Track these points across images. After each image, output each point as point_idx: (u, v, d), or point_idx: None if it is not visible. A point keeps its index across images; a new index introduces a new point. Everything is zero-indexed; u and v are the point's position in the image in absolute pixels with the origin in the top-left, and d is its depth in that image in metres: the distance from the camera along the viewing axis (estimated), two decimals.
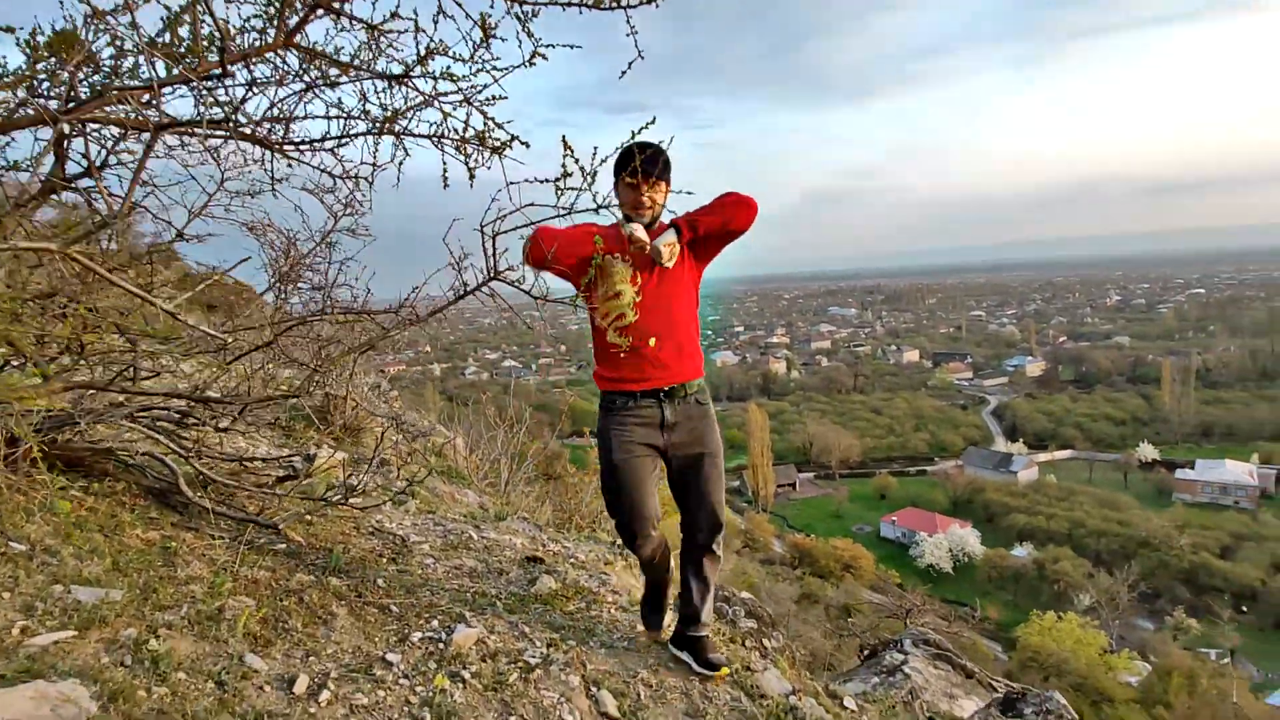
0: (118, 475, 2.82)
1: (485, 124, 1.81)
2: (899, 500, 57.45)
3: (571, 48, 1.71)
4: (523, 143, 1.88)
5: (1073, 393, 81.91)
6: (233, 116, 1.75)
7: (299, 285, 2.81)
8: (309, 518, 3.16)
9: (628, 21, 1.64)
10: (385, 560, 3.04)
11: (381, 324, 2.49)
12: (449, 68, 1.78)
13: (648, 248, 2.26)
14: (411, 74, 1.78)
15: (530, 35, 1.70)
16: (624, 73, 1.71)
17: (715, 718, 2.18)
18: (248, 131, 1.73)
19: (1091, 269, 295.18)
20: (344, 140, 1.90)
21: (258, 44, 1.67)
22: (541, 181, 1.78)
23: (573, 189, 1.81)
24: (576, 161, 1.70)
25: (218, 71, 1.61)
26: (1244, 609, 40.76)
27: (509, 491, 6.61)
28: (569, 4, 1.65)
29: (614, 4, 1.61)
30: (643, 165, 2.28)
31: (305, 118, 1.90)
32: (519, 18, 1.67)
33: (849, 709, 2.48)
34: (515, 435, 8.20)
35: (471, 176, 1.84)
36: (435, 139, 1.83)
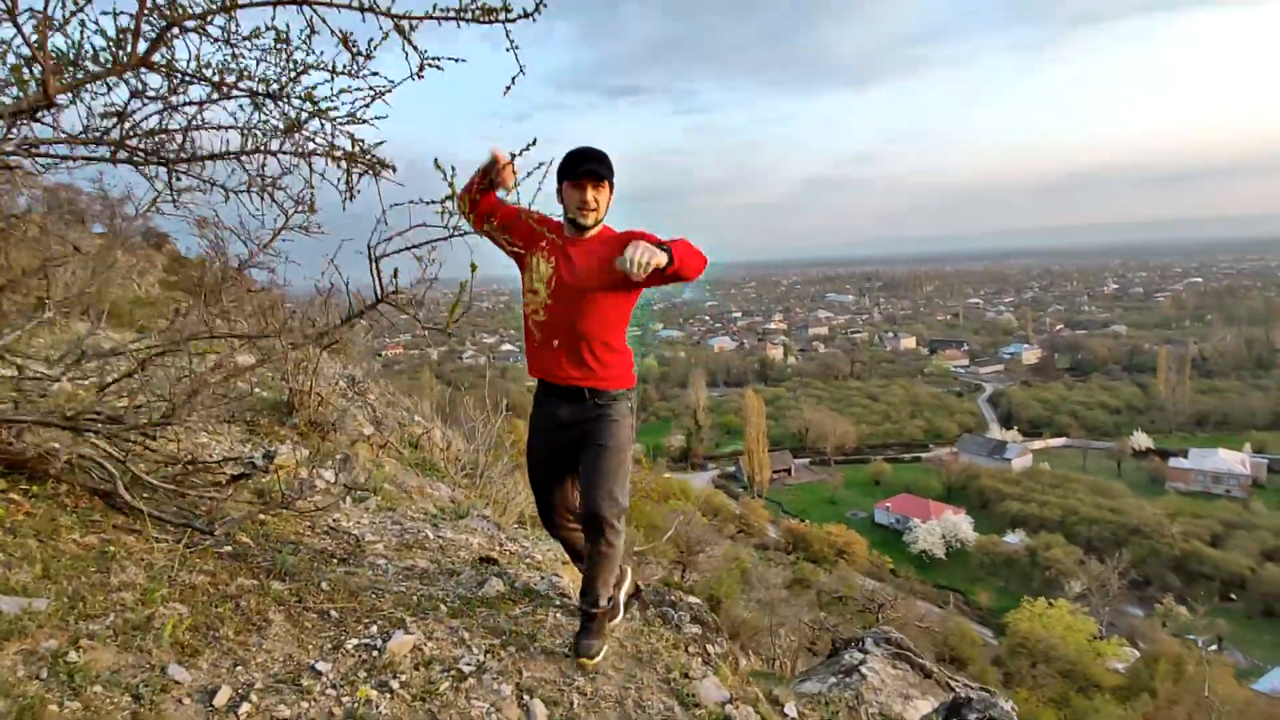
0: (60, 477, 2.80)
1: (354, 145, 1.78)
2: (894, 486, 57.74)
3: (456, 60, 1.68)
4: (390, 166, 1.85)
5: (1068, 380, 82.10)
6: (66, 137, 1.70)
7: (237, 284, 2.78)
8: (261, 517, 3.16)
9: (507, 36, 1.60)
10: (335, 562, 3.03)
11: (261, 348, 2.47)
12: (313, 89, 1.75)
13: (509, 184, 2.32)
14: (274, 94, 1.75)
15: (415, 49, 1.66)
16: (507, 88, 1.67)
17: None
18: (91, 145, 1.69)
19: (1090, 257, 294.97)
20: (239, 156, 1.86)
21: (104, 67, 1.63)
22: (427, 203, 1.75)
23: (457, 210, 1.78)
24: (449, 181, 1.66)
25: (41, 103, 1.58)
26: (1233, 596, 41.15)
27: (484, 484, 6.61)
28: (447, 18, 1.61)
29: (495, 18, 1.57)
30: (591, 167, 2.32)
31: (199, 128, 1.86)
32: (400, 31, 1.63)
33: (789, 716, 2.49)
34: (493, 425, 8.18)
35: (351, 196, 1.82)
36: (304, 156, 1.80)
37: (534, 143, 1.91)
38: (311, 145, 1.80)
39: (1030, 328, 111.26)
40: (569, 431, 2.52)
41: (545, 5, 1.59)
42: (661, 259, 2.20)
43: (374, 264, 1.76)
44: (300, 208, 3.11)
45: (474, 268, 1.94)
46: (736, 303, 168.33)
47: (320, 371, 4.71)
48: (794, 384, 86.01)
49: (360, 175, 1.79)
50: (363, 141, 1.79)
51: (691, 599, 2.95)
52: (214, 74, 1.74)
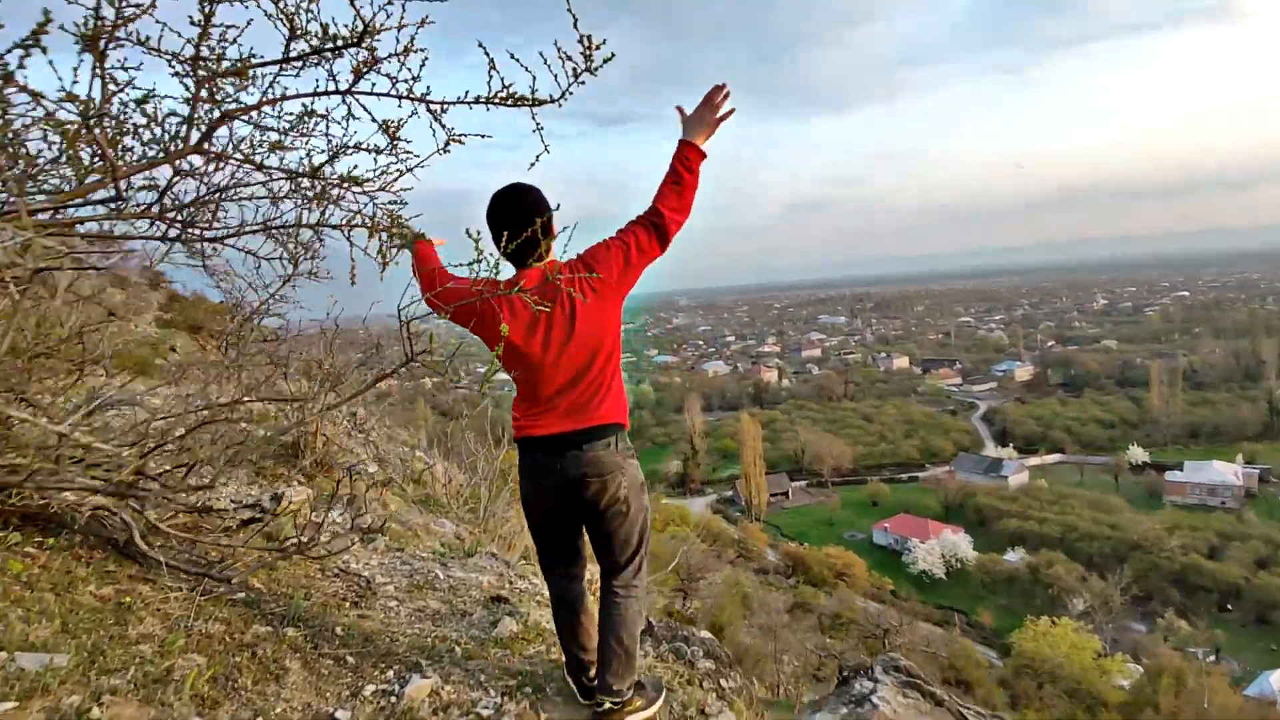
0: (74, 528, 2.81)
1: (392, 219, 1.83)
2: (891, 507, 57.66)
3: (482, 137, 1.75)
4: (423, 236, 1.91)
5: (1062, 396, 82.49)
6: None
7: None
8: (272, 562, 3.17)
9: (534, 118, 1.66)
10: (348, 604, 3.04)
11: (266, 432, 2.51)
12: (354, 168, 1.82)
13: None
14: (319, 174, 1.81)
15: (444, 127, 1.73)
16: (532, 165, 1.74)
17: None
18: (159, 231, 1.76)
19: (1077, 273, 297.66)
20: (264, 229, 1.91)
21: (161, 155, 1.70)
22: (454, 266, 1.80)
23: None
24: (476, 244, 1.70)
25: (111, 193, 1.65)
26: (1229, 607, 41.13)
27: (487, 519, 6.60)
28: (479, 102, 1.68)
29: (523, 103, 1.64)
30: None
31: (229, 199, 1.91)
32: (434, 115, 1.71)
33: None
34: (496, 459, 8.16)
35: (384, 266, 1.88)
36: (345, 229, 1.86)
37: None
38: (343, 216, 1.85)
39: (1022, 345, 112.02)
40: None
41: (571, 93, 1.65)
42: None
43: (406, 327, 1.80)
44: (308, 253, 3.17)
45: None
46: (730, 327, 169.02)
47: (325, 411, 4.73)
48: (789, 406, 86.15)
49: (397, 248, 1.84)
50: (400, 216, 1.85)
51: (704, 634, 2.96)
52: (257, 155, 1.81)
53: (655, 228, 2.23)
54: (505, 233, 2.06)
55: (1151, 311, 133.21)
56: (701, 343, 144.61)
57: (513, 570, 3.81)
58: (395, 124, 1.74)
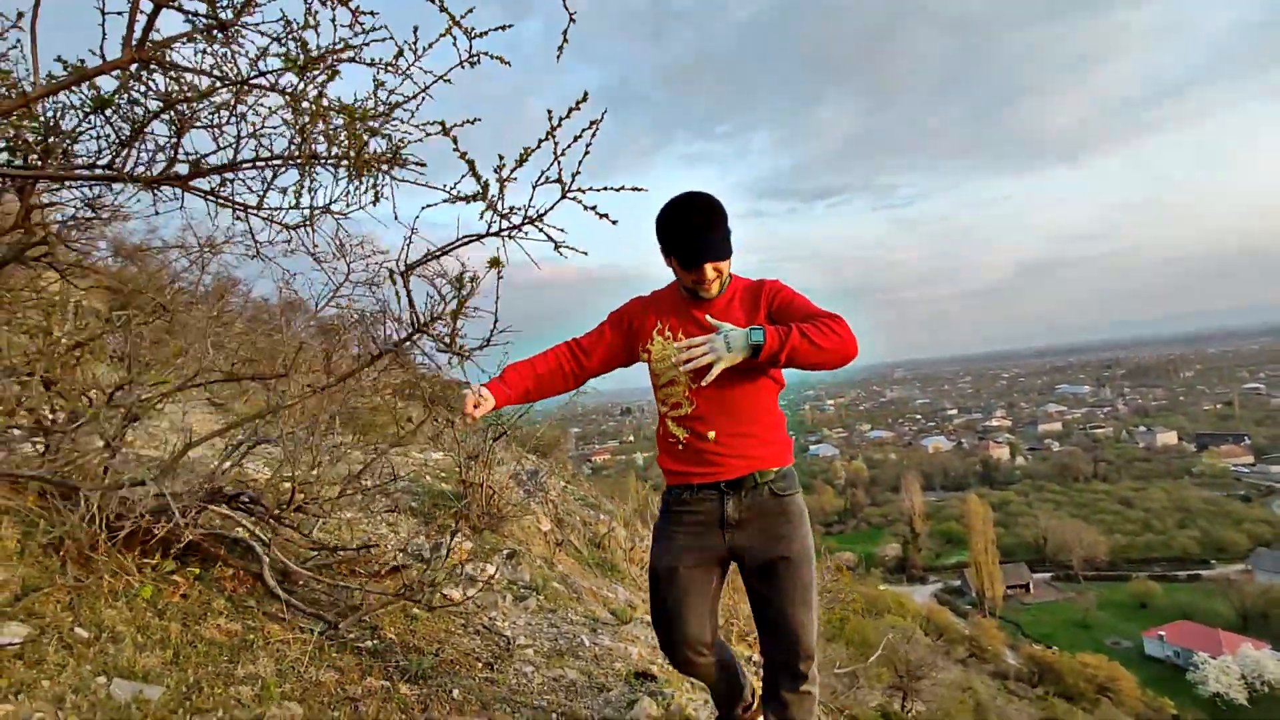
0: (229, 560, 2.83)
1: (350, 139, 1.50)
2: (1166, 611, 48.40)
3: (504, 28, 1.43)
4: (418, 163, 1.57)
5: None
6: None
7: None
8: (415, 610, 3.00)
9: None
10: (480, 665, 2.76)
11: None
12: (356, 102, 1.54)
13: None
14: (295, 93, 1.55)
15: (464, 31, 1.40)
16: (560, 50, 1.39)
17: None
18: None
19: None
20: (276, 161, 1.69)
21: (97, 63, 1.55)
22: (456, 199, 1.46)
23: (495, 211, 1.46)
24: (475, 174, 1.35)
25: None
26: None
27: None
28: None
29: None
30: (710, 259, 1.88)
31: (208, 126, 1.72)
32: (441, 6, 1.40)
33: None
34: None
35: (376, 200, 1.58)
36: (298, 160, 1.56)
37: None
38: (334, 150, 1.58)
39: None
40: (733, 534, 1.95)
41: None
42: (733, 349, 1.77)
43: (405, 286, 1.50)
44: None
45: (496, 263, 1.62)
46: (951, 399, 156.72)
47: (494, 465, 4.67)
48: (1025, 487, 76.86)
49: (387, 169, 1.54)
50: (400, 141, 1.54)
51: None
52: (216, 69, 1.62)
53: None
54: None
55: None
56: (919, 416, 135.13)
57: None
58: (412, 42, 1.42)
